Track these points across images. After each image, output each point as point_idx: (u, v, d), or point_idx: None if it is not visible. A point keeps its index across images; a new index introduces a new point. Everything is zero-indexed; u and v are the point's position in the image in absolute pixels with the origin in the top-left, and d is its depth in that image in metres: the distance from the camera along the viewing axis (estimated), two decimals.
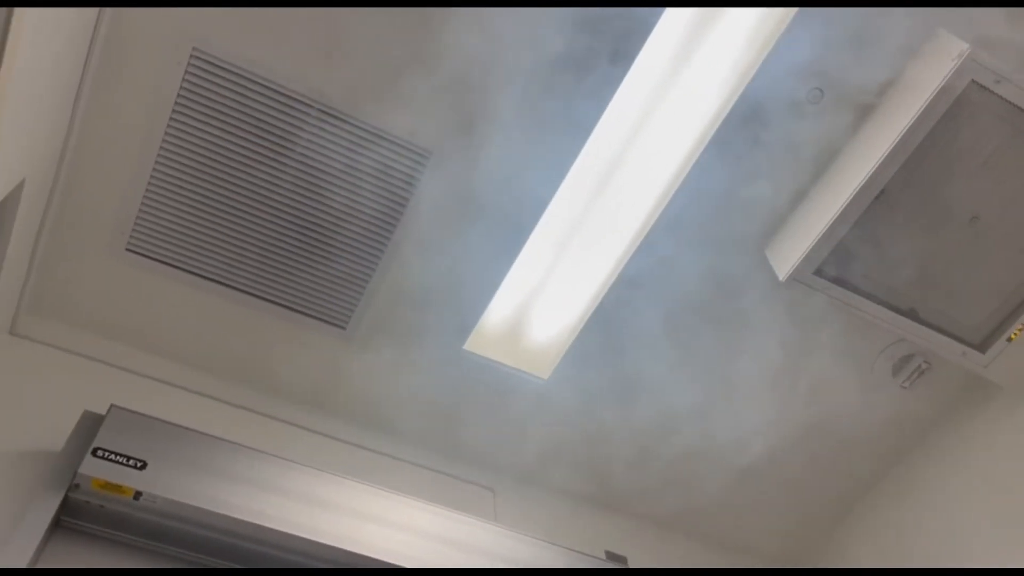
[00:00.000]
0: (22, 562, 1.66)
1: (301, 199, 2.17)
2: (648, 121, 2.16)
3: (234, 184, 2.13)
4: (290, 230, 2.21)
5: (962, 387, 2.58)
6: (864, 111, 2.11)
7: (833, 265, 2.14)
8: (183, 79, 1.98)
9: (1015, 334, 2.21)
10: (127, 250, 2.19)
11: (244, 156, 2.10)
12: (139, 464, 1.83)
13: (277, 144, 2.09)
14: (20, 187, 1.74)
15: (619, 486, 2.73)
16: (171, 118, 2.03)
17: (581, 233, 2.33)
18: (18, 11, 1.32)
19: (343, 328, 2.38)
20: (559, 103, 2.09)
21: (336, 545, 1.93)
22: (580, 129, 2.13)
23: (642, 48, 2.02)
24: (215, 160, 2.10)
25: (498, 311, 2.43)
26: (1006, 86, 1.88)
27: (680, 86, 2.11)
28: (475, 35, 1.98)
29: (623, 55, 2.02)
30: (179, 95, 2.00)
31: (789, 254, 2.19)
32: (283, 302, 2.31)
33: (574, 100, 2.09)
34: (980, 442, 2.51)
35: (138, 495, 1.80)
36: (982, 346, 2.24)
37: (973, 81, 1.87)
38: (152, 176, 2.10)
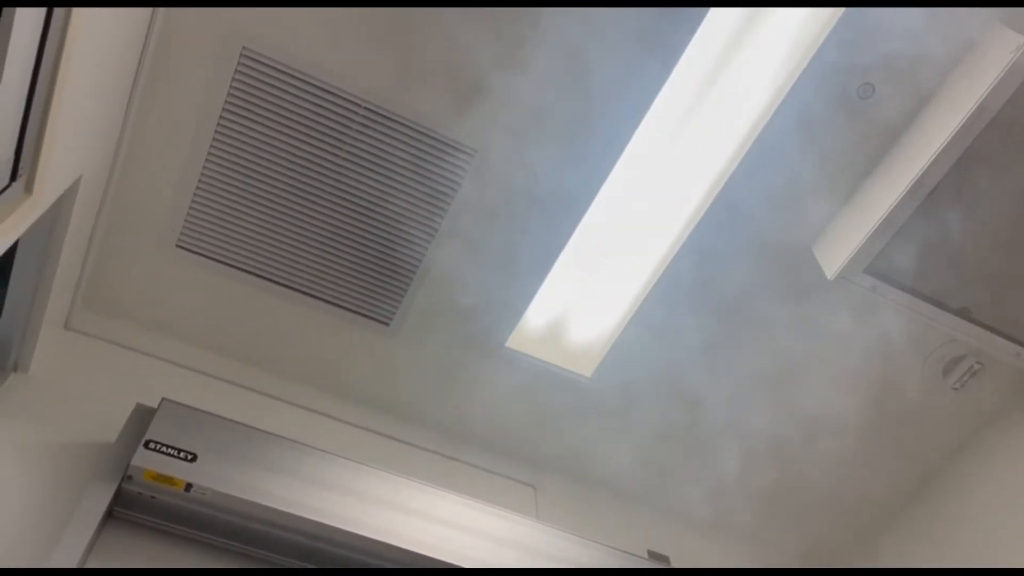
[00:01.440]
0: (77, 550, 1.70)
1: (347, 197, 2.19)
2: (693, 119, 2.14)
3: (282, 181, 2.16)
4: (335, 227, 2.23)
5: (1016, 388, 2.51)
6: (917, 106, 2.07)
7: (883, 263, 2.10)
8: (233, 78, 2.01)
9: None
10: (178, 246, 2.23)
11: (292, 154, 2.12)
12: (190, 456, 1.86)
13: (324, 142, 2.11)
14: (77, 184, 1.77)
15: (662, 485, 2.72)
16: (221, 116, 2.06)
17: (625, 232, 2.32)
18: (76, 11, 1.35)
19: (387, 324, 2.39)
20: (603, 103, 2.08)
21: (379, 539, 1.95)
22: (623, 128, 2.12)
23: (686, 48, 2.00)
24: (264, 158, 2.12)
25: (541, 309, 2.42)
26: None
27: (725, 83, 2.09)
28: (523, 36, 1.97)
29: (667, 55, 2.00)
30: (229, 93, 2.03)
31: (838, 252, 2.16)
32: (329, 298, 2.34)
33: (618, 99, 2.08)
34: None
35: (188, 487, 1.83)
36: None
37: None
38: (203, 173, 2.13)
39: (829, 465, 2.66)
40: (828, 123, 2.12)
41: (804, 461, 2.65)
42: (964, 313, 2.14)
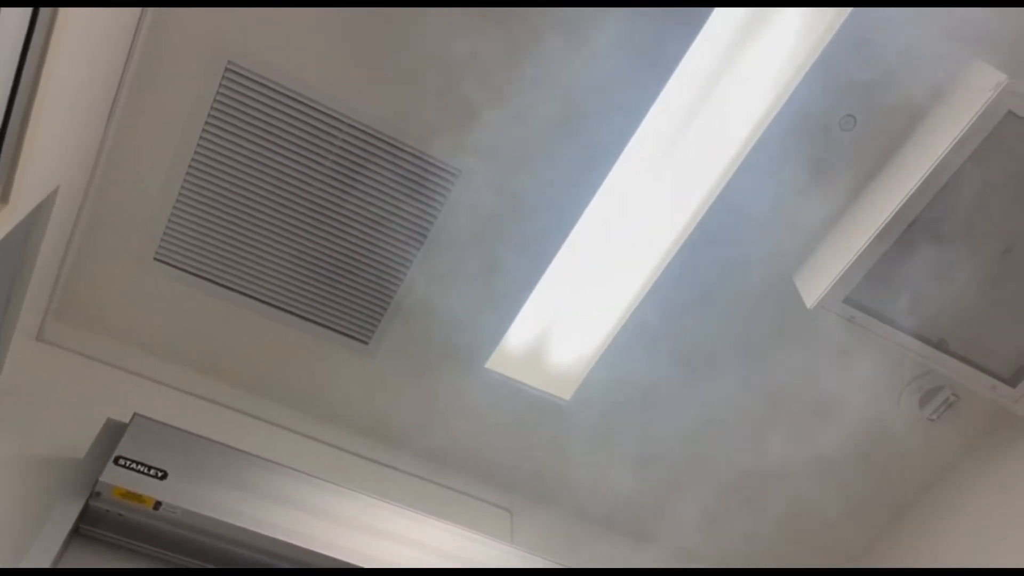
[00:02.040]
0: (42, 567, 1.65)
1: (328, 214, 2.18)
2: (675, 151, 2.15)
3: (263, 197, 2.14)
4: (317, 244, 2.22)
5: (990, 421, 2.53)
6: (898, 140, 2.09)
7: (862, 293, 2.12)
8: (217, 92, 2.00)
9: None
10: (155, 259, 2.21)
11: (274, 169, 2.11)
12: (160, 474, 1.83)
13: (307, 158, 2.10)
14: (54, 194, 1.75)
15: (638, 512, 2.70)
16: (204, 129, 2.04)
17: (607, 255, 2.32)
18: (60, 20, 1.34)
19: (366, 343, 2.37)
20: (587, 129, 2.09)
21: (352, 562, 1.92)
22: (607, 156, 2.12)
23: (667, 82, 2.02)
24: (246, 173, 2.11)
25: (521, 331, 2.42)
26: None
27: (708, 115, 2.10)
28: (511, 57, 1.98)
29: (652, 86, 2.02)
30: (213, 107, 2.02)
31: (818, 281, 2.17)
32: (307, 315, 2.32)
33: (602, 124, 2.09)
34: (1007, 479, 2.46)
35: (158, 505, 1.79)
36: (1012, 380, 2.20)
37: (1010, 112, 1.85)
38: (183, 187, 2.11)
39: (804, 496, 2.65)
40: (810, 154, 2.14)
41: (779, 491, 2.64)
42: (942, 345, 2.16)
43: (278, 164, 2.10)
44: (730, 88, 2.07)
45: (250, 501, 1.90)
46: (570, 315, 2.42)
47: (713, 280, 2.34)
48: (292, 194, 2.14)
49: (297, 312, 2.31)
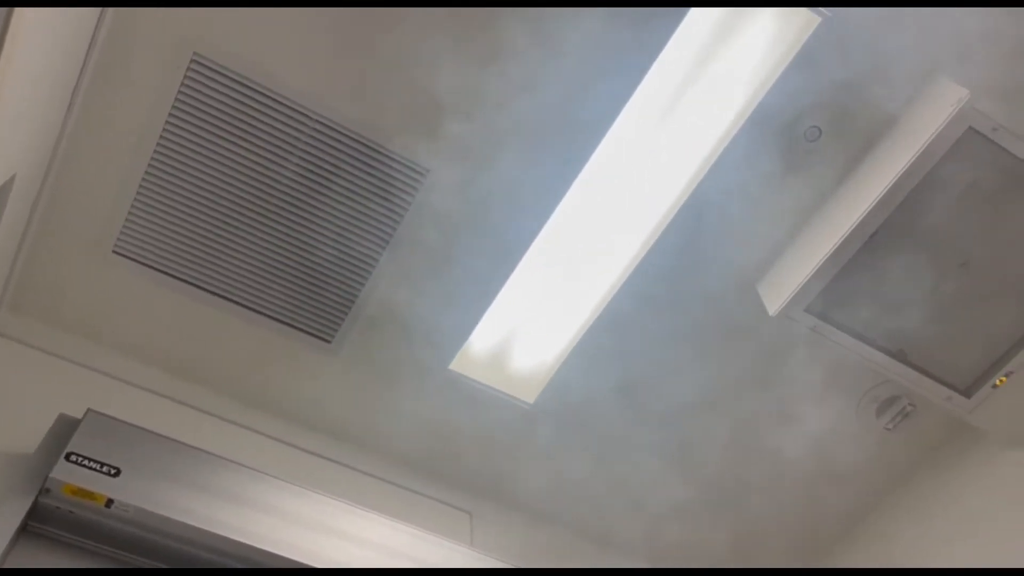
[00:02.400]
0: None
1: (293, 210, 2.15)
2: (642, 156, 2.16)
3: (226, 191, 2.11)
4: (280, 241, 2.19)
5: (946, 431, 2.57)
6: (861, 152, 2.12)
7: (823, 303, 2.14)
8: (182, 83, 1.96)
9: (1001, 381, 2.21)
10: (114, 252, 2.16)
11: (238, 163, 2.08)
12: (113, 471, 1.79)
13: (273, 153, 2.07)
14: (11, 182, 1.71)
15: (598, 516, 2.70)
16: (167, 121, 2.01)
17: (573, 259, 2.32)
18: (19, 8, 1.31)
19: (328, 342, 2.35)
20: (557, 133, 2.09)
21: (309, 564, 1.89)
22: (577, 156, 2.13)
23: (639, 86, 2.03)
24: (209, 166, 2.08)
25: (486, 333, 2.41)
26: (1003, 134, 1.90)
27: (677, 120, 2.11)
28: (482, 59, 1.97)
29: (620, 94, 2.03)
30: (177, 99, 1.98)
31: (780, 290, 2.19)
32: (269, 313, 2.29)
33: (572, 129, 2.09)
34: (961, 487, 2.50)
35: (110, 503, 1.75)
36: (968, 391, 2.24)
37: (971, 128, 1.89)
38: (144, 179, 2.08)
39: (761, 500, 2.68)
40: (775, 164, 2.16)
41: (738, 494, 2.67)
42: (900, 355, 2.19)
43: (243, 159, 2.07)
44: (698, 97, 2.08)
45: (205, 500, 1.86)
46: (535, 318, 2.41)
47: (678, 287, 2.35)
48: (256, 190, 2.12)
49: (258, 309, 2.28)
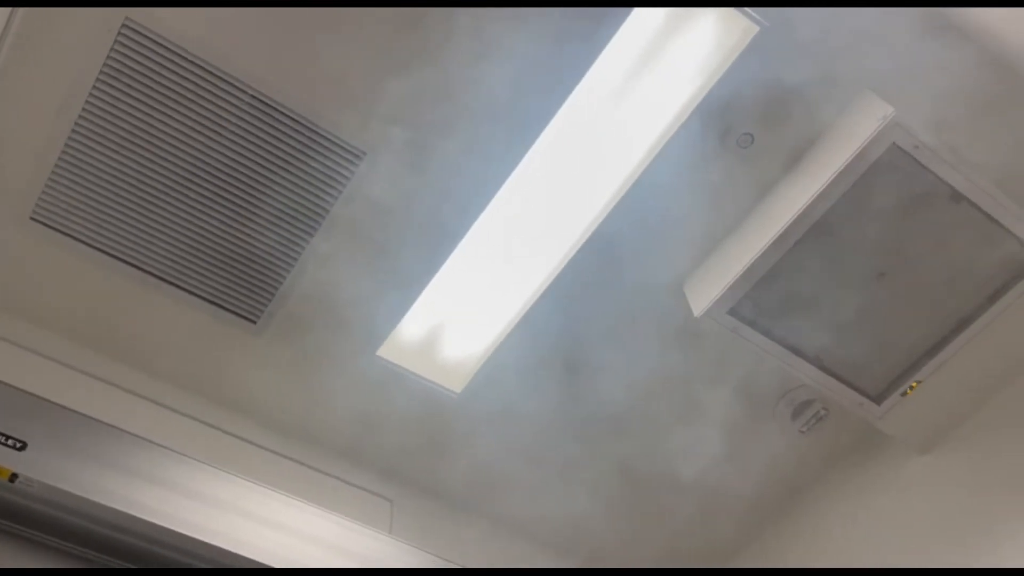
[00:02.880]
0: None
1: (223, 185, 2.10)
2: (581, 150, 2.18)
3: (154, 162, 2.05)
4: (209, 216, 2.14)
5: (856, 436, 2.66)
6: (791, 161, 2.18)
7: (746, 306, 2.19)
8: (112, 48, 1.90)
9: (910, 389, 2.30)
10: (32, 219, 2.09)
11: (168, 134, 2.02)
12: (19, 444, 1.73)
13: (204, 126, 2.02)
14: None
15: (518, 508, 2.72)
16: (95, 87, 1.94)
17: (507, 252, 2.33)
18: None
19: (254, 322, 2.31)
20: (496, 124, 2.09)
21: (222, 546, 1.85)
22: (514, 149, 2.13)
23: (571, 94, 2.05)
24: (138, 136, 2.02)
25: (416, 320, 2.40)
26: (924, 152, 1.97)
27: (612, 122, 2.13)
28: (425, 45, 1.96)
29: (561, 89, 2.04)
30: (106, 64, 1.92)
31: (706, 292, 2.24)
32: (192, 290, 2.24)
33: (511, 121, 2.09)
34: (869, 490, 2.59)
35: (14, 477, 1.69)
36: (878, 398, 2.33)
37: (894, 144, 1.95)
38: (67, 145, 2.01)
39: (678, 496, 2.73)
40: (708, 169, 2.20)
41: (657, 492, 2.71)
42: (816, 360, 2.26)
43: (173, 130, 2.02)
44: (635, 101, 2.10)
45: (117, 478, 1.81)
46: (467, 308, 2.41)
47: (608, 284, 2.38)
48: (186, 163, 2.06)
49: (181, 285, 2.23)
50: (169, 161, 2.06)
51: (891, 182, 2.02)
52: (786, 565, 2.71)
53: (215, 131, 2.03)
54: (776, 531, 2.81)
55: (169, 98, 1.98)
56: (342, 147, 2.08)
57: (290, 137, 2.06)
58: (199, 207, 2.12)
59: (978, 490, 2.30)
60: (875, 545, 2.49)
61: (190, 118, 2.01)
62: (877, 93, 1.99)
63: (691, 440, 2.62)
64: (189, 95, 1.98)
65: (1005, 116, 2.08)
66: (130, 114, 1.98)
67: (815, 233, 2.08)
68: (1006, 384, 2.33)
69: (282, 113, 2.03)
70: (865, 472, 2.62)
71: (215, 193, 2.11)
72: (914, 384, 2.29)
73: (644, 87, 2.09)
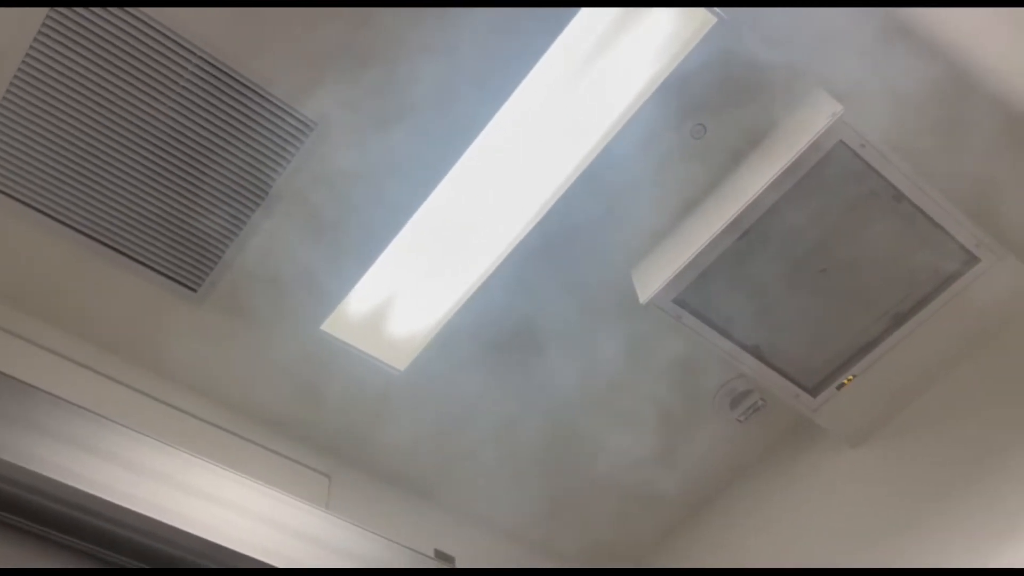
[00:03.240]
0: None
1: (167, 148, 2.05)
2: (536, 132, 2.17)
3: (95, 121, 1.99)
4: (151, 180, 2.09)
5: (790, 428, 2.72)
6: (742, 153, 2.20)
7: (690, 295, 2.22)
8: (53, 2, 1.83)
9: (846, 382, 2.35)
10: None
11: (112, 94, 1.96)
12: None
13: (149, 87, 1.97)
14: None
15: (456, 487, 2.73)
16: (36, 39, 1.87)
17: (458, 231, 2.32)
18: None
19: (194, 290, 2.26)
20: (450, 107, 2.07)
21: (151, 515, 1.81)
22: (468, 129, 2.11)
23: (528, 75, 2.04)
24: (80, 92, 1.95)
25: (363, 295, 2.37)
26: (869, 150, 2.00)
27: (566, 109, 2.13)
28: (382, 21, 1.93)
29: (519, 69, 2.03)
30: (49, 16, 1.85)
31: (652, 280, 2.25)
32: (131, 253, 2.18)
33: (464, 105, 2.07)
34: (800, 482, 2.65)
35: None
36: (814, 391, 2.37)
37: (841, 141, 1.98)
38: (4, 98, 1.93)
39: (616, 483, 2.76)
40: (660, 158, 2.21)
41: (591, 474, 2.74)
42: (756, 351, 2.30)
43: (117, 89, 1.96)
44: (590, 87, 2.10)
45: (50, 446, 1.75)
46: (415, 287, 2.40)
47: (557, 268, 2.38)
48: (128, 123, 2.00)
49: (119, 248, 2.16)
50: (111, 120, 1.99)
51: (837, 179, 2.06)
52: (719, 555, 2.76)
53: (161, 92, 1.97)
54: (709, 519, 2.86)
55: (115, 55, 1.92)
56: (292, 115, 2.05)
57: (239, 103, 2.01)
58: (141, 170, 2.07)
59: (902, 486, 2.36)
60: (801, 537, 2.55)
61: (136, 77, 1.95)
62: (833, 93, 2.02)
63: (631, 425, 2.65)
64: (136, 53, 1.92)
65: (958, 123, 2.12)
66: (73, 70, 1.92)
67: (761, 226, 2.11)
68: (935, 383, 2.40)
69: (232, 78, 1.98)
70: (797, 464, 2.68)
71: (159, 156, 2.05)
72: (849, 378, 2.35)
73: (598, 74, 2.09)
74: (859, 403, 2.42)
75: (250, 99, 2.01)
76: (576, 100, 2.13)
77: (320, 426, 2.54)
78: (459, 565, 2.52)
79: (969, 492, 2.18)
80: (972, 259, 2.17)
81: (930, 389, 2.41)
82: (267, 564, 1.92)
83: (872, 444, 2.50)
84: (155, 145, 2.04)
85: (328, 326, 2.40)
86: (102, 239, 2.14)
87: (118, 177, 2.07)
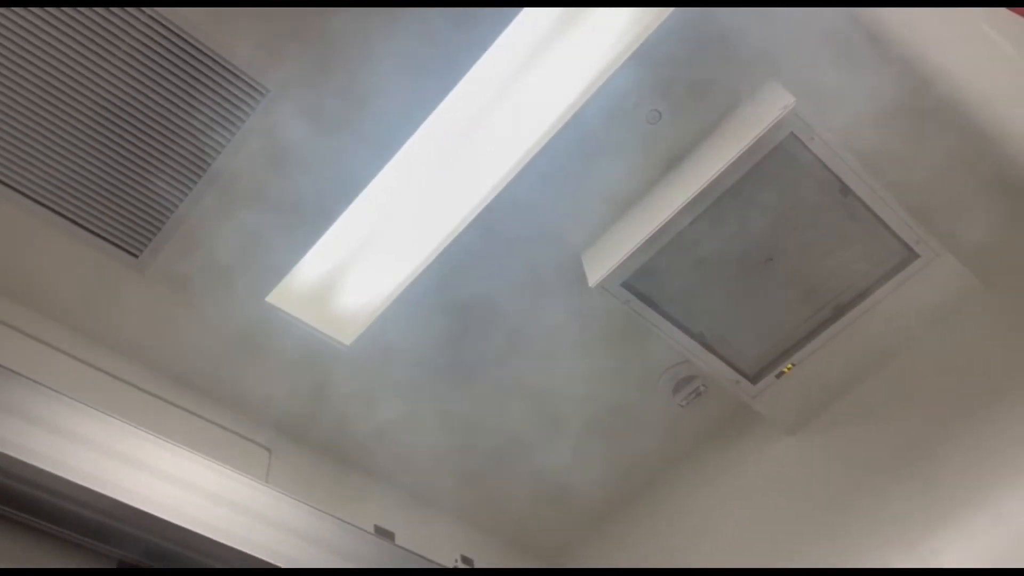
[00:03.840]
0: None
1: (113, 110, 1.99)
2: (489, 113, 2.16)
3: (38, 77, 1.92)
4: (95, 141, 2.02)
5: (731, 414, 2.77)
6: (695, 140, 2.22)
7: (638, 281, 2.24)
8: None
9: (785, 370, 2.41)
10: None
11: (56, 49, 1.89)
12: None
13: (97, 44, 1.90)
14: None
15: (397, 462, 2.73)
16: None
17: (408, 208, 2.30)
18: None
19: (136, 256, 2.20)
20: (410, 75, 2.04)
21: (93, 488, 1.78)
22: (420, 107, 2.09)
23: (481, 56, 2.03)
24: (20, 48, 1.87)
25: (310, 268, 2.34)
26: (818, 143, 2.04)
27: (521, 88, 2.13)
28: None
29: (473, 48, 2.02)
30: None
31: (602, 264, 2.27)
32: (71, 216, 2.11)
33: (424, 75, 2.05)
34: (736, 467, 2.71)
35: None
36: (754, 378, 2.43)
37: (792, 133, 2.02)
38: None
39: (558, 461, 2.79)
40: (616, 141, 2.22)
41: (536, 453, 2.76)
42: (699, 337, 2.33)
43: (62, 44, 1.88)
44: (548, 69, 2.10)
45: None
46: (363, 261, 2.37)
47: (507, 248, 2.38)
48: (73, 81, 1.93)
49: (59, 211, 2.09)
50: (54, 78, 1.92)
51: (786, 170, 2.09)
52: (653, 539, 2.82)
53: (109, 51, 1.91)
54: (648, 502, 2.91)
55: (62, 11, 1.84)
56: (245, 81, 2.00)
57: (189, 66, 1.96)
58: (84, 131, 2.00)
59: (837, 473, 2.44)
60: (737, 521, 2.61)
61: (82, 35, 1.88)
62: (788, 87, 2.04)
63: (570, 409, 2.68)
64: (84, 10, 1.85)
65: (913, 123, 2.15)
66: (16, 23, 1.84)
67: (710, 215, 2.14)
68: (872, 374, 2.47)
69: (182, 39, 1.92)
70: (735, 449, 2.74)
71: (103, 116, 1.99)
72: (788, 367, 2.40)
73: (556, 57, 2.08)
74: (797, 391, 2.48)
75: (201, 62, 1.95)
76: (531, 82, 2.12)
77: (262, 400, 2.51)
78: (399, 541, 2.53)
79: (901, 479, 2.25)
80: (912, 255, 2.23)
81: (867, 380, 2.47)
82: (207, 536, 1.90)
83: (808, 432, 2.57)
84: (100, 106, 1.97)
85: (274, 298, 2.36)
86: (42, 201, 2.07)
87: (60, 138, 2.00)
